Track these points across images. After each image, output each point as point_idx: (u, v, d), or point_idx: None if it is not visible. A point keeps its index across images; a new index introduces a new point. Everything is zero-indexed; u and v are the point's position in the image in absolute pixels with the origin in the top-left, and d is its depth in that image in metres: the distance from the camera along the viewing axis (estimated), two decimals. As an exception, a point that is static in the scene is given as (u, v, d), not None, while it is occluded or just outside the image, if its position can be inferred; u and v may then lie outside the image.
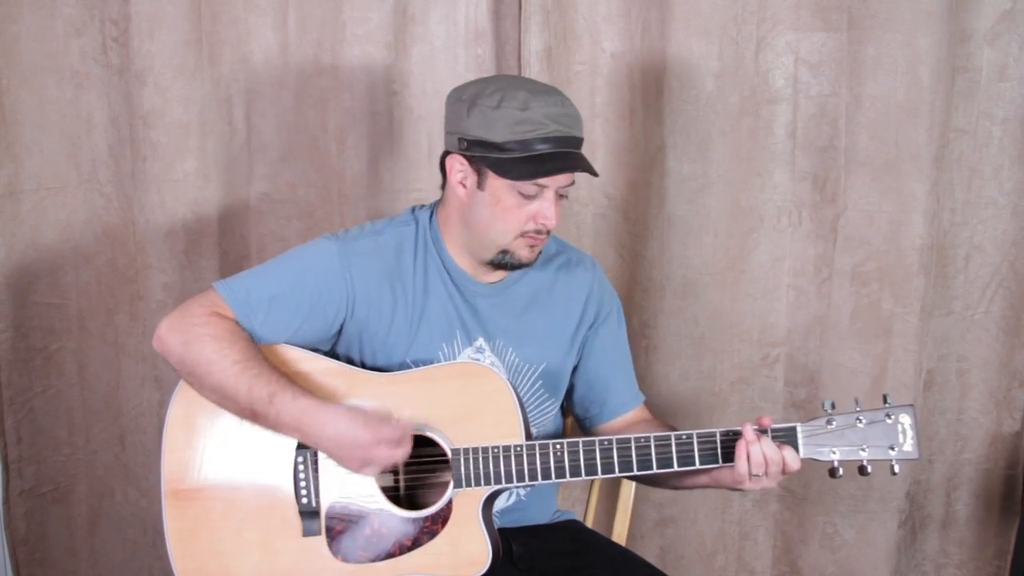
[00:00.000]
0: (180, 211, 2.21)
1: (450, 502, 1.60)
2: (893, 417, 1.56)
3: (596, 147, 2.22)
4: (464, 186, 1.64)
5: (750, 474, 1.52)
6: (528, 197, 1.59)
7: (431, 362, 1.68)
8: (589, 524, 1.94)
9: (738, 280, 2.28)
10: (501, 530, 1.73)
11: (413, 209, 1.77)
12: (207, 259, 2.26)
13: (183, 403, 1.62)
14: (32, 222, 2.21)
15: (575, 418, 1.88)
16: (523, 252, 1.65)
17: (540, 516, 1.83)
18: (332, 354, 1.70)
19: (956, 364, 2.31)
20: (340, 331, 1.68)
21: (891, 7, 2.10)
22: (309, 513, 1.61)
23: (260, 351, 1.59)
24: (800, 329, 2.30)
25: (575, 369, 1.81)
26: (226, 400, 1.57)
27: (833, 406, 1.58)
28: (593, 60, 2.18)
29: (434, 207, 1.75)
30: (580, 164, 1.59)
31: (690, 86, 2.16)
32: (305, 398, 1.55)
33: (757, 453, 1.52)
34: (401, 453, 1.54)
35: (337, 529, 1.61)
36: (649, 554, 2.37)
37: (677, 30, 2.14)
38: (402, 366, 1.67)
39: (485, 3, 2.16)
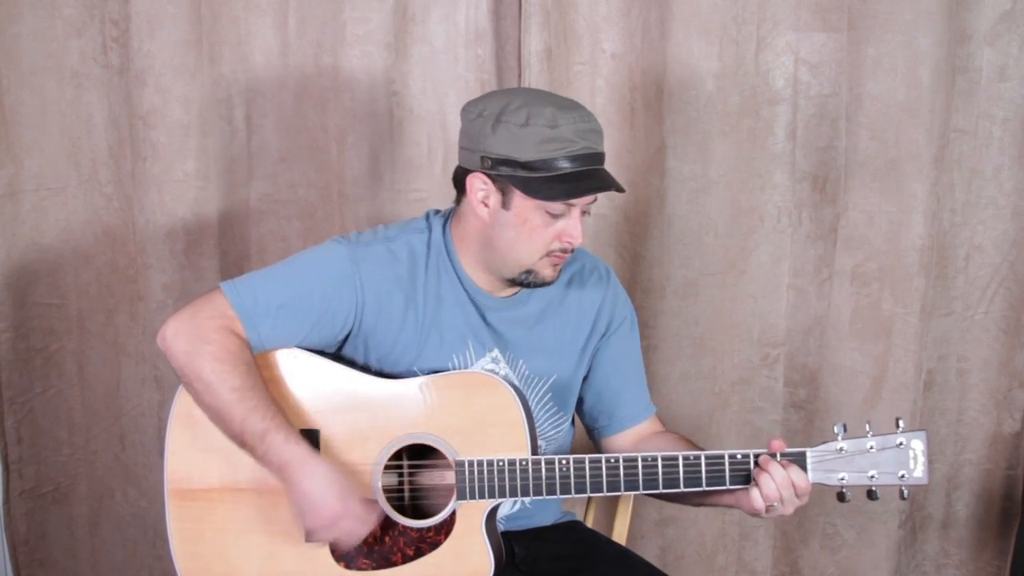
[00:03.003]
0: (180, 211, 2.21)
1: (453, 513, 1.60)
2: (905, 443, 1.53)
3: (596, 147, 2.22)
4: (487, 205, 1.59)
5: (766, 507, 1.52)
6: (555, 216, 1.57)
7: (440, 371, 1.65)
8: (589, 524, 1.94)
9: (738, 280, 2.28)
10: (503, 533, 1.72)
11: (428, 215, 1.73)
12: (207, 259, 2.25)
13: (186, 402, 1.60)
14: (32, 222, 2.20)
15: (585, 429, 1.85)
16: (547, 271, 1.62)
17: (545, 520, 1.83)
18: (337, 356, 1.68)
19: (956, 364, 2.32)
20: (347, 336, 1.66)
21: (891, 7, 2.11)
22: None
23: (260, 378, 1.57)
24: (800, 329, 2.30)
25: (585, 379, 1.79)
26: (218, 422, 1.56)
27: (845, 429, 1.55)
28: (593, 60, 2.17)
29: (448, 217, 1.71)
30: (611, 183, 1.57)
31: (690, 86, 2.16)
32: (296, 445, 1.53)
33: (768, 484, 1.51)
34: (362, 531, 1.55)
35: None
36: (649, 554, 2.37)
37: (677, 30, 2.14)
38: (408, 374, 1.65)
39: (485, 3, 2.16)
